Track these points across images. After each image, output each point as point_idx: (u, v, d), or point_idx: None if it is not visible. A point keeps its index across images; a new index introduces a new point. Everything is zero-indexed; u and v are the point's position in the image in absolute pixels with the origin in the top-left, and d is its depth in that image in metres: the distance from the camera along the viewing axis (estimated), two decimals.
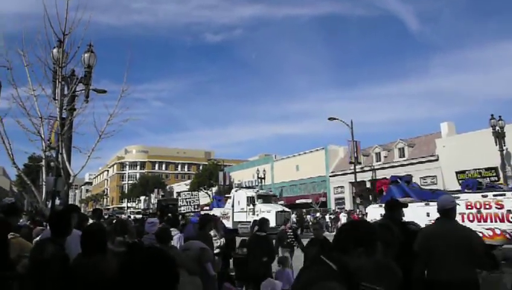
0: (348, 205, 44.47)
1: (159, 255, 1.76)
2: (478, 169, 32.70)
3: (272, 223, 26.51)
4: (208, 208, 42.57)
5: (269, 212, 28.11)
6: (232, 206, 32.25)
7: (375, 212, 17.11)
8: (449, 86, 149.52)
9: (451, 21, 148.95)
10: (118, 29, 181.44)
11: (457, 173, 33.64)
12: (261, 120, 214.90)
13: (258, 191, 34.17)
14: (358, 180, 38.44)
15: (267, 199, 32.03)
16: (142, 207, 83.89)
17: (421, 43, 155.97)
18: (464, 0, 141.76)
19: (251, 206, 30.07)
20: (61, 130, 8.54)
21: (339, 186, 48.59)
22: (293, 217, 31.69)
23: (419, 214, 14.73)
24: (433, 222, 4.90)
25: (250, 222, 28.96)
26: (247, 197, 31.05)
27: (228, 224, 28.60)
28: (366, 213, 18.57)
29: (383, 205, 17.23)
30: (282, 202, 41.02)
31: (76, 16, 8.42)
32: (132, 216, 33.72)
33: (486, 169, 32.13)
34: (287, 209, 31.21)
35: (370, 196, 29.09)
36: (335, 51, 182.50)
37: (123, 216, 33.52)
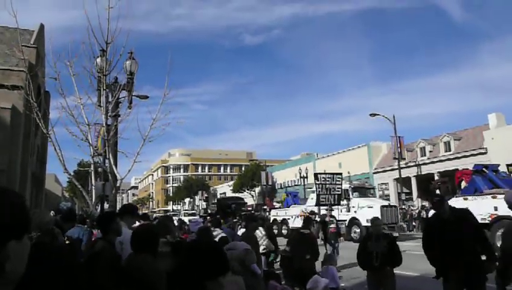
0: (393, 202, 43.49)
1: (219, 247, 2.03)
2: None
3: None
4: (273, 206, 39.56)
5: (371, 207, 23.12)
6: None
7: (458, 207, 15.77)
8: (498, 75, 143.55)
9: (498, 5, 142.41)
10: (159, 35, 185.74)
11: (508, 165, 32.16)
12: (301, 119, 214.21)
13: (352, 182, 29.03)
14: (403, 176, 37.59)
15: (363, 191, 26.51)
16: (186, 209, 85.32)
17: (466, 31, 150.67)
18: None
19: (345, 201, 23.73)
20: (107, 135, 8.85)
21: (383, 183, 47.63)
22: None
23: None
24: None
25: (344, 220, 23.23)
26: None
27: None
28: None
29: (465, 197, 15.86)
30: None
31: (117, 26, 8.73)
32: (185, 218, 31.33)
33: None
34: (393, 204, 26.52)
35: (448, 188, 26.83)
36: (377, 46, 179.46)
37: (176, 218, 32.31)
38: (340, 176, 17.51)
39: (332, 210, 16.65)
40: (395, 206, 25.45)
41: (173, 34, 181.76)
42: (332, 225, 14.59)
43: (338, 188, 17.12)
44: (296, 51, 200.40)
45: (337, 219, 21.88)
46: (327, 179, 17.11)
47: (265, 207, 41.58)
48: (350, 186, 25.68)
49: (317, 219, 14.27)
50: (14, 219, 1.33)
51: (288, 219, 28.50)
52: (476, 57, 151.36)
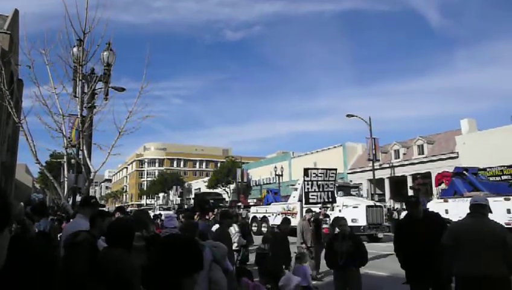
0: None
1: (195, 243, 1.98)
2: (500, 167, 31.97)
3: (363, 222, 21.21)
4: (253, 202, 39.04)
5: (357, 207, 22.17)
6: (301, 200, 23.04)
7: (438, 208, 14.91)
8: (472, 82, 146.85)
9: (475, 14, 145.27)
10: (138, 27, 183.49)
11: (478, 170, 32.98)
12: (279, 117, 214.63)
13: (336, 180, 27.02)
14: (376, 177, 38.14)
15: (347, 190, 25.46)
16: (160, 203, 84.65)
17: (443, 37, 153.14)
18: None
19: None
20: (81, 127, 8.70)
21: (357, 183, 48.25)
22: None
23: (497, 210, 12.21)
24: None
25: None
26: None
27: (295, 222, 22.41)
28: (428, 208, 16.88)
29: (445, 199, 15.50)
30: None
31: (96, 15, 8.59)
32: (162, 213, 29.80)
33: (509, 166, 31.38)
34: (379, 204, 25.26)
35: (427, 190, 26.17)
36: (356, 47, 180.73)
37: (151, 212, 31.05)
38: (334, 172, 15.50)
39: (327, 208, 15.65)
40: (380, 206, 24.37)
41: (153, 26, 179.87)
42: (326, 225, 13.73)
43: (331, 184, 15.09)
44: (276, 49, 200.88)
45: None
46: (319, 175, 15.05)
47: (239, 204, 41.56)
48: (335, 185, 24.05)
49: (311, 218, 13.25)
50: None
51: (269, 216, 28.32)
52: (451, 63, 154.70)
